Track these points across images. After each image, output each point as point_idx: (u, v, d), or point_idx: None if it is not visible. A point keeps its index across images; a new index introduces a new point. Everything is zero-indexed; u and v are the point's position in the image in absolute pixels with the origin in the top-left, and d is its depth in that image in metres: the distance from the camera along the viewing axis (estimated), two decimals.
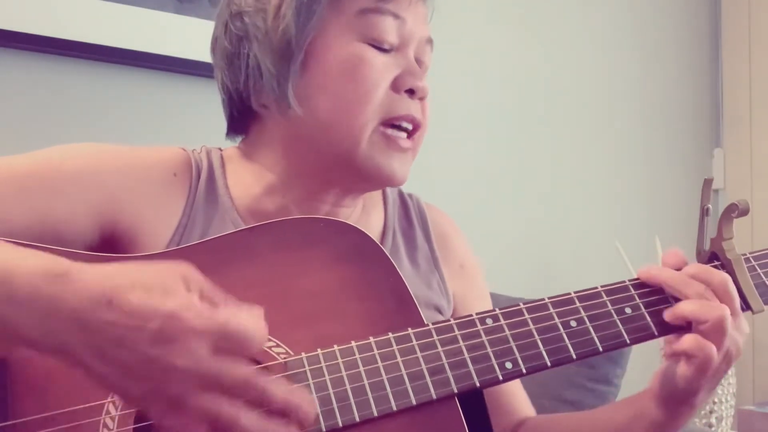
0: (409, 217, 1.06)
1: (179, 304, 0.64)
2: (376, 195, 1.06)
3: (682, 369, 0.82)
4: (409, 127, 0.94)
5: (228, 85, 0.97)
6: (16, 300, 0.64)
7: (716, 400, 1.89)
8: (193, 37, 1.60)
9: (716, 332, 0.80)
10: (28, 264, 0.66)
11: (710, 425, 1.90)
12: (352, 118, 0.91)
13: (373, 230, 1.01)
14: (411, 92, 0.94)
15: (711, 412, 1.90)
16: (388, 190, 1.07)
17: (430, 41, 0.99)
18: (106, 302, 0.63)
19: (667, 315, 0.83)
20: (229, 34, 0.95)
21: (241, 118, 0.99)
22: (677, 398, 0.85)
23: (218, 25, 0.98)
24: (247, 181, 0.96)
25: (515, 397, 1.05)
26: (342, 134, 0.91)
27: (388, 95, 0.92)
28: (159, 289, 0.64)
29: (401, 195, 1.08)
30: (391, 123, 0.93)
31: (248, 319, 0.66)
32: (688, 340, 0.81)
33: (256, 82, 0.93)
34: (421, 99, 0.95)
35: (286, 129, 0.94)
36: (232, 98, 0.97)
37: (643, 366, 1.94)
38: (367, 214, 1.03)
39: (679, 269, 0.86)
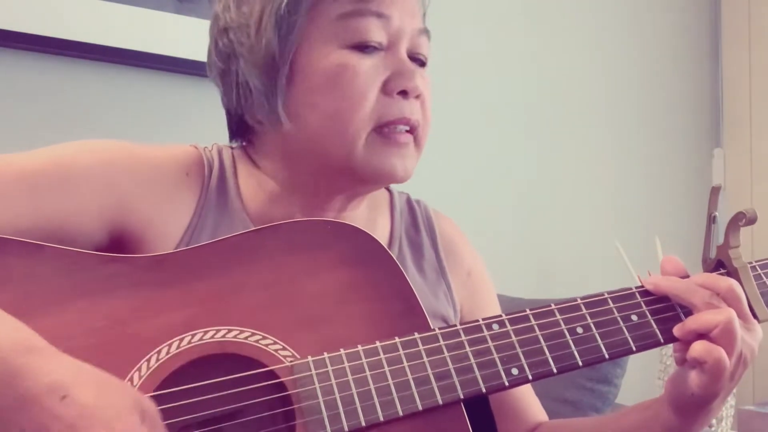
0: (417, 224, 1.05)
1: (124, 430, 0.62)
2: (383, 202, 1.05)
3: (695, 375, 0.81)
4: (406, 128, 0.92)
5: (224, 101, 0.96)
6: None
7: None
8: (193, 37, 1.60)
9: (726, 336, 0.80)
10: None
11: (710, 425, 1.90)
12: (342, 129, 0.89)
13: (380, 238, 1.00)
14: (404, 93, 0.91)
15: None
16: (396, 197, 1.06)
17: (424, 32, 0.95)
18: (61, 395, 0.62)
19: (677, 331, 0.83)
20: (218, 50, 0.94)
21: (241, 132, 0.98)
22: (692, 404, 0.84)
23: (210, 40, 0.96)
24: (254, 186, 0.96)
25: (528, 403, 1.04)
26: (335, 145, 0.90)
27: (379, 100, 0.90)
28: (114, 407, 0.63)
29: (409, 202, 1.07)
30: (386, 126, 0.90)
31: None
32: (697, 347, 0.80)
33: (246, 98, 0.92)
34: (418, 97, 0.92)
35: (281, 143, 0.93)
36: (230, 114, 0.96)
37: (643, 366, 1.95)
38: (373, 221, 1.01)
39: (680, 276, 0.86)
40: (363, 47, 0.90)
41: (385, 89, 0.90)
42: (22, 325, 0.67)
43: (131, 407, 0.64)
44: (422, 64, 0.95)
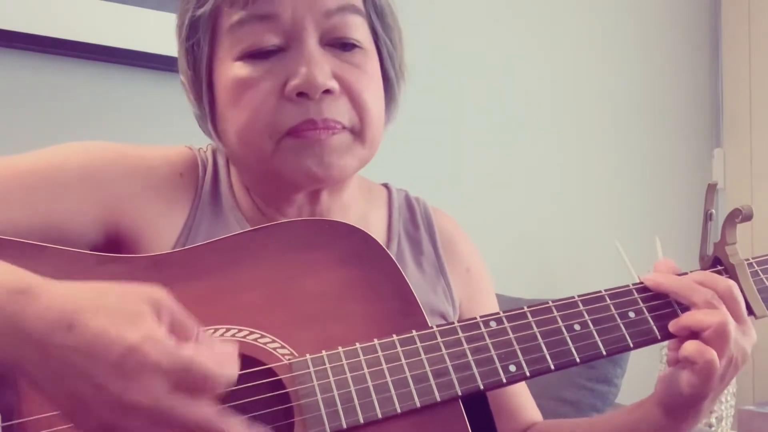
0: (416, 221, 1.04)
1: (142, 336, 0.60)
2: (380, 197, 1.04)
3: (686, 375, 0.81)
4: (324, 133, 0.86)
5: None
6: None
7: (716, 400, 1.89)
8: None
9: (718, 338, 0.80)
10: None
11: (710, 425, 1.90)
12: (249, 141, 0.87)
13: (374, 232, 0.99)
14: (302, 95, 0.84)
15: (711, 412, 1.90)
16: (394, 193, 1.05)
17: (340, 11, 0.87)
18: (66, 326, 0.60)
19: (672, 326, 0.83)
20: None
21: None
22: (682, 404, 0.84)
23: None
24: (244, 186, 0.96)
25: (522, 402, 1.04)
26: (250, 157, 0.88)
27: (278, 106, 0.85)
28: (124, 316, 0.61)
29: (408, 199, 1.06)
30: (296, 132, 0.85)
31: (214, 358, 0.63)
32: (688, 347, 0.80)
33: (198, 122, 0.96)
34: (328, 92, 0.85)
35: (229, 157, 0.96)
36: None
37: (642, 366, 1.95)
38: (366, 215, 1.01)
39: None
40: (255, 54, 0.86)
41: (283, 93, 0.85)
42: (13, 268, 0.66)
43: (140, 306, 0.63)
44: (349, 47, 0.88)
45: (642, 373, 1.96)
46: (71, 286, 0.64)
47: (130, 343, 0.60)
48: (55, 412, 0.67)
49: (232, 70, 0.86)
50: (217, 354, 0.64)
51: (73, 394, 0.61)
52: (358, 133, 0.88)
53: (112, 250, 0.86)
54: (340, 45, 0.87)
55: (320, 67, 0.85)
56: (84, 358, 0.60)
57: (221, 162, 0.97)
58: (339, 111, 0.86)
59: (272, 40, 0.85)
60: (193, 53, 0.90)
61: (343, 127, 0.87)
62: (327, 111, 0.85)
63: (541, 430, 1.02)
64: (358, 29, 0.89)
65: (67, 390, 0.61)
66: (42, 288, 0.63)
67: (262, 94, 0.85)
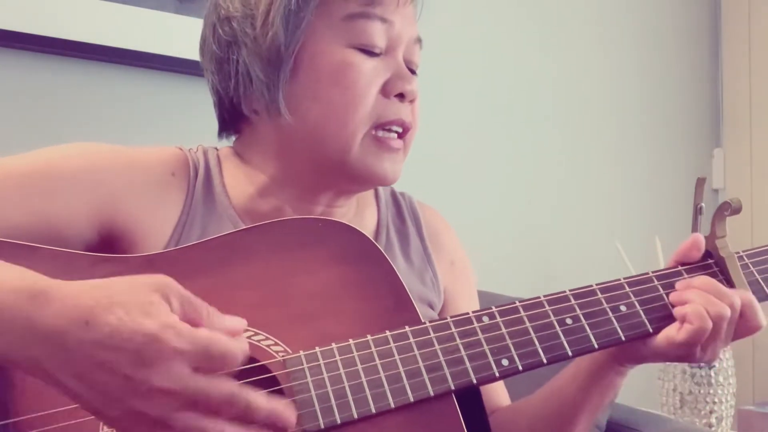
0: (402, 215, 1.06)
1: (159, 325, 0.63)
2: (369, 194, 1.06)
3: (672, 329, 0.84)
4: (399, 129, 0.95)
5: (218, 89, 0.96)
6: None
7: (716, 400, 1.89)
8: (193, 37, 1.58)
9: (697, 319, 0.83)
10: (5, 281, 0.66)
11: (710, 425, 1.90)
12: (342, 125, 0.91)
13: (367, 228, 1.02)
14: (401, 96, 0.94)
15: (711, 412, 1.90)
16: (381, 189, 1.07)
17: (419, 41, 0.99)
18: (84, 322, 0.63)
19: (674, 295, 0.86)
20: (217, 37, 0.94)
21: (232, 121, 0.99)
22: (637, 351, 0.88)
23: (206, 26, 0.97)
24: (242, 181, 0.97)
25: (491, 387, 1.05)
26: (333, 140, 0.92)
27: (378, 100, 0.92)
28: (138, 307, 0.64)
29: (393, 194, 1.09)
30: (382, 127, 0.93)
31: (229, 339, 0.66)
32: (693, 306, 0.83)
33: (246, 87, 0.93)
34: (411, 102, 0.96)
35: (277, 134, 0.94)
36: (223, 101, 0.97)
37: (643, 366, 1.94)
38: (360, 214, 1.03)
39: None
40: (366, 49, 0.92)
41: (384, 91, 0.93)
42: (22, 270, 0.68)
43: (151, 296, 0.65)
44: (414, 72, 0.98)
45: (642, 373, 1.95)
46: (82, 285, 0.66)
47: (149, 332, 0.62)
48: (55, 410, 0.68)
49: (341, 54, 0.91)
50: (229, 329, 0.68)
51: (97, 387, 0.63)
52: (406, 143, 0.97)
53: (107, 250, 0.87)
54: (411, 69, 0.97)
55: (414, 78, 0.95)
56: (106, 351, 0.62)
57: (213, 162, 0.97)
58: (411, 120, 0.96)
59: (381, 42, 0.93)
60: (296, 20, 0.91)
61: (404, 132, 0.96)
62: (410, 117, 0.95)
63: (505, 412, 1.03)
64: (419, 60, 0.99)
65: (91, 383, 0.63)
66: (55, 288, 0.65)
67: (369, 85, 0.91)
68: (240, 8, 0.92)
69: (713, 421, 1.92)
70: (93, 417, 0.69)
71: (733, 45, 2.49)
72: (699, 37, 2.49)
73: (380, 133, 0.93)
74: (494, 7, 2.09)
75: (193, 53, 1.59)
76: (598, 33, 2.28)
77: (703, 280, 0.85)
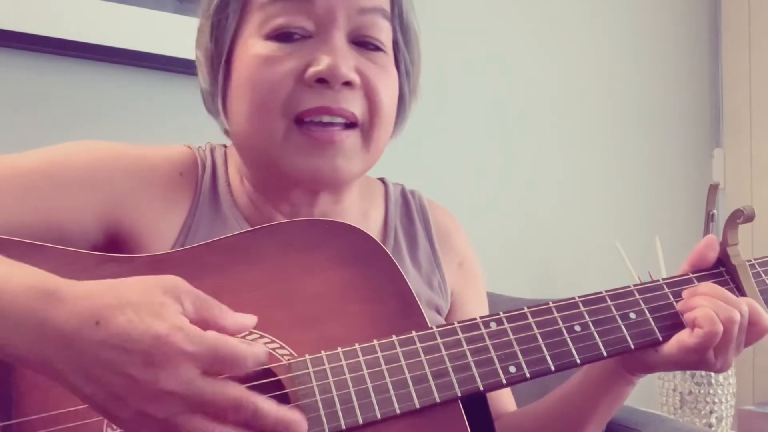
0: (411, 215, 1.04)
1: (168, 326, 0.63)
2: (378, 192, 1.04)
3: (683, 334, 0.83)
4: (327, 119, 0.85)
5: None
6: (2, 315, 0.64)
7: (716, 400, 1.89)
8: (192, 37, 1.59)
9: (708, 322, 0.81)
10: (17, 280, 0.66)
11: (710, 425, 1.90)
12: (260, 122, 0.86)
13: (373, 230, 1.00)
14: (322, 81, 0.84)
15: (711, 412, 1.89)
16: (391, 188, 1.05)
17: (372, 11, 0.87)
18: (94, 323, 0.63)
19: (686, 293, 0.85)
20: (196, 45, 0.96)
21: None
22: (645, 360, 0.86)
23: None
24: (240, 184, 0.96)
25: (497, 393, 1.03)
26: (257, 139, 0.87)
27: (294, 90, 0.85)
28: (149, 309, 0.63)
29: (403, 192, 1.07)
30: (303, 119, 0.85)
31: (238, 342, 0.65)
32: (702, 312, 0.82)
33: (204, 101, 0.96)
34: (347, 84, 0.85)
35: (233, 138, 0.95)
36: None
37: None
38: (367, 214, 1.01)
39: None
40: (283, 36, 0.86)
41: (303, 78, 0.85)
42: (33, 269, 0.68)
43: (162, 297, 0.65)
44: (373, 47, 0.89)
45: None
46: (93, 285, 0.66)
47: (157, 334, 0.62)
48: (58, 411, 0.68)
49: (255, 47, 0.86)
50: (241, 326, 0.68)
51: (105, 388, 0.63)
52: (367, 130, 0.88)
53: (113, 249, 0.87)
54: (365, 44, 0.88)
55: (345, 59, 0.85)
56: (115, 352, 0.62)
57: (219, 161, 0.97)
58: (354, 104, 0.87)
59: (302, 23, 0.86)
60: (218, 27, 0.90)
61: (353, 123, 0.87)
62: (343, 101, 0.85)
63: (510, 418, 1.02)
64: (385, 34, 0.89)
65: (100, 383, 0.63)
66: (66, 288, 0.65)
67: (281, 74, 0.85)
68: (200, 20, 0.94)
69: (713, 421, 1.91)
70: (98, 418, 0.69)
71: (733, 45, 2.48)
72: (699, 37, 2.49)
73: (312, 128, 0.85)
74: (493, 9, 2.08)
75: (192, 53, 1.61)
76: (598, 33, 2.27)
77: (709, 286, 0.84)
